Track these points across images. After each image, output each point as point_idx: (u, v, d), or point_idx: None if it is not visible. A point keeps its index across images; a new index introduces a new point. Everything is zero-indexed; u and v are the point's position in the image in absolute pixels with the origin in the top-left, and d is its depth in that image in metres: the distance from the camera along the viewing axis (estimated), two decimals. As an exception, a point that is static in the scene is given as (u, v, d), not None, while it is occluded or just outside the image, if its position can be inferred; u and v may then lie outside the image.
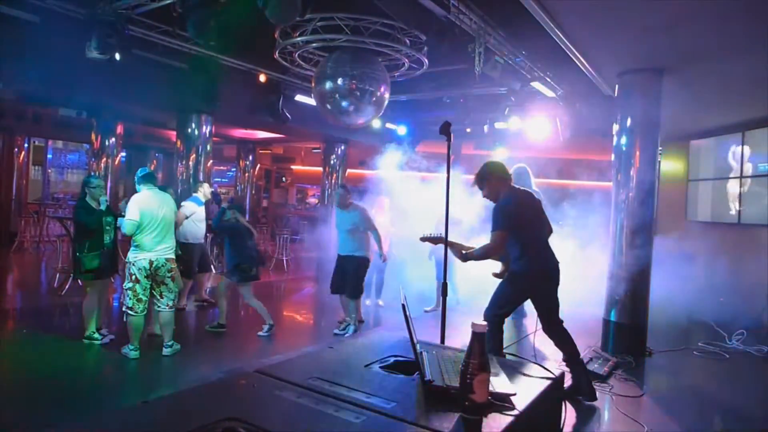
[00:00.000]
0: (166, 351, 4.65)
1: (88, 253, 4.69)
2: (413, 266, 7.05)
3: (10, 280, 8.29)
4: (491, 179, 3.67)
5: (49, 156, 13.83)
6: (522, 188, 3.76)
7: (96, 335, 4.81)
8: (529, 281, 3.58)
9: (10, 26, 5.41)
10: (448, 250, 3.41)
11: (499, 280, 3.77)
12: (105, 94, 7.57)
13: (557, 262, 3.63)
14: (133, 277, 4.45)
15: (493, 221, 3.51)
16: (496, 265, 3.87)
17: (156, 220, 4.50)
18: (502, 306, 3.63)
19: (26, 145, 12.51)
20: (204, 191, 6.33)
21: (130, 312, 4.47)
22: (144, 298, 4.50)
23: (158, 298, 4.59)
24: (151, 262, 4.48)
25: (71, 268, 4.92)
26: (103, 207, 4.85)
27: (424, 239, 3.62)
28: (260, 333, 5.39)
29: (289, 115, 8.32)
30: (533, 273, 3.57)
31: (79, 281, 5.19)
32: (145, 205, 4.50)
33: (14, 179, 12.10)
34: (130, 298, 4.46)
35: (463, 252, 3.57)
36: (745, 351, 5.38)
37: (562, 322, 3.65)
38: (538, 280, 3.59)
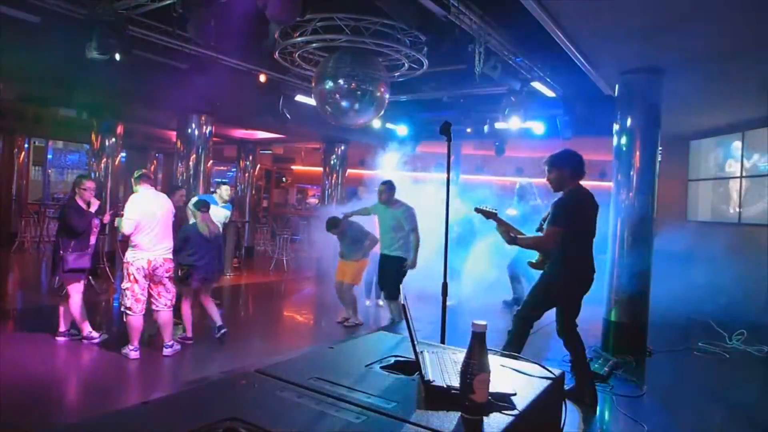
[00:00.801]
0: (166, 351, 4.66)
1: (74, 252, 4.72)
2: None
3: (10, 280, 8.29)
4: (565, 169, 3.56)
5: (50, 156, 13.84)
6: (586, 189, 3.62)
7: (93, 333, 4.84)
8: (565, 288, 3.53)
9: (10, 26, 5.41)
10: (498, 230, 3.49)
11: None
12: (105, 94, 7.57)
13: (594, 271, 3.55)
14: (132, 277, 4.47)
15: (553, 215, 3.44)
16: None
17: (154, 220, 4.52)
18: (535, 309, 3.60)
19: (26, 145, 12.52)
20: (221, 193, 6.32)
21: (128, 312, 4.49)
22: (142, 298, 4.52)
23: (156, 297, 4.61)
24: (149, 262, 4.49)
25: (52, 265, 4.86)
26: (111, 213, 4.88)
27: (478, 210, 3.64)
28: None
29: (289, 116, 8.31)
30: (570, 280, 3.52)
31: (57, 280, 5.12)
32: (143, 205, 4.52)
33: (14, 179, 12.11)
34: (128, 298, 4.48)
35: (512, 234, 3.56)
36: (746, 351, 5.38)
37: (576, 326, 3.64)
38: (572, 288, 3.54)
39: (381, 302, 7.18)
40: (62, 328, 4.93)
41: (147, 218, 4.50)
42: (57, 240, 4.87)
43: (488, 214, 3.62)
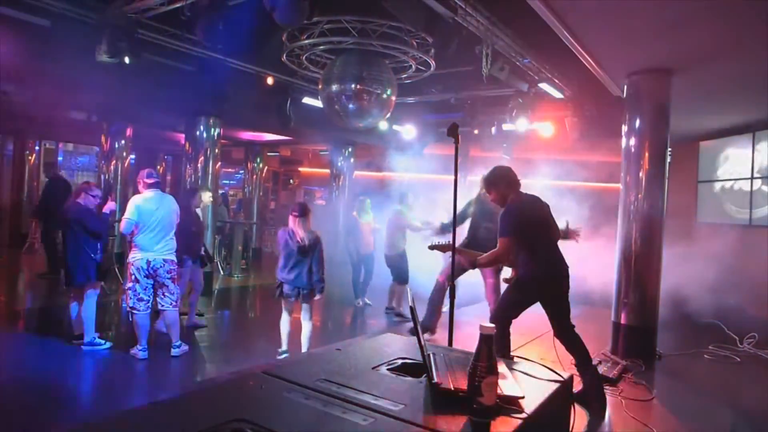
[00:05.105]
0: (174, 351, 4.69)
1: (101, 253, 4.77)
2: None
3: (20, 281, 8.37)
4: (500, 184, 3.69)
5: (60, 159, 13.95)
6: (530, 194, 3.75)
7: (98, 340, 4.79)
8: (535, 286, 3.57)
9: (21, 30, 5.47)
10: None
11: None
12: (115, 97, 7.63)
13: (566, 268, 3.60)
14: (133, 277, 4.54)
15: (500, 227, 3.54)
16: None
17: (154, 220, 4.56)
18: (508, 309, 3.63)
19: (37, 147, 12.64)
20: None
21: (133, 311, 4.56)
22: (145, 297, 4.57)
23: (161, 297, 4.67)
24: (148, 262, 4.54)
25: (86, 272, 4.70)
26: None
27: (432, 248, 3.74)
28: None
29: (293, 118, 8.34)
30: (539, 278, 3.56)
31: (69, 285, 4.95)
32: (143, 205, 4.57)
33: (25, 181, 12.23)
34: (131, 298, 4.55)
35: (472, 259, 3.70)
36: (757, 354, 5.31)
37: (573, 326, 3.62)
38: (544, 285, 3.57)
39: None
40: (88, 337, 4.74)
41: (146, 219, 4.54)
42: (80, 246, 4.68)
43: (445, 248, 3.71)
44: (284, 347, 4.79)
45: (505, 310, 3.62)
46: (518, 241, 3.50)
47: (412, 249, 6.66)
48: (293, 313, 4.81)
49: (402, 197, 6.89)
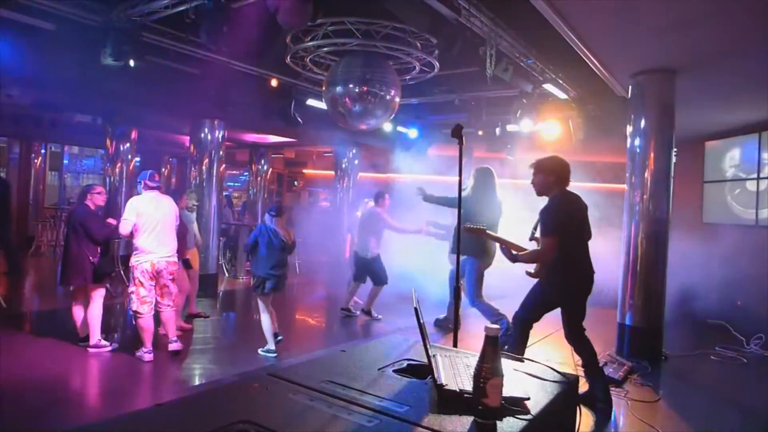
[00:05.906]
0: (171, 346, 4.76)
1: (101, 256, 4.80)
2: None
3: (26, 284, 8.41)
4: (550, 173, 3.56)
5: (66, 161, 14.04)
6: (572, 192, 3.63)
7: (103, 342, 4.82)
8: (564, 289, 3.51)
9: (27, 34, 5.51)
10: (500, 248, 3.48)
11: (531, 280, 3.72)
12: (119, 100, 7.67)
13: (593, 272, 3.54)
14: (137, 280, 4.56)
15: (544, 225, 3.45)
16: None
17: (152, 222, 4.59)
18: (533, 311, 3.59)
19: (43, 150, 12.72)
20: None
21: (137, 314, 4.59)
22: (148, 300, 4.60)
23: (160, 299, 4.72)
24: (152, 264, 4.56)
25: (82, 273, 4.69)
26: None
27: (467, 229, 3.66)
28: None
29: (300, 119, 8.35)
30: (569, 282, 3.50)
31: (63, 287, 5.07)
32: (142, 207, 4.60)
33: (31, 184, 12.31)
34: (134, 302, 4.57)
35: (514, 253, 3.56)
36: (764, 355, 5.28)
37: (584, 330, 3.60)
38: (572, 289, 3.52)
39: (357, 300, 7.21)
40: (93, 339, 4.76)
41: (145, 219, 4.56)
42: (80, 248, 4.68)
43: (478, 232, 3.64)
44: (272, 347, 4.92)
45: (529, 312, 3.58)
46: (560, 241, 3.41)
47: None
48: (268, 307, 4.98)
49: (377, 196, 6.71)
